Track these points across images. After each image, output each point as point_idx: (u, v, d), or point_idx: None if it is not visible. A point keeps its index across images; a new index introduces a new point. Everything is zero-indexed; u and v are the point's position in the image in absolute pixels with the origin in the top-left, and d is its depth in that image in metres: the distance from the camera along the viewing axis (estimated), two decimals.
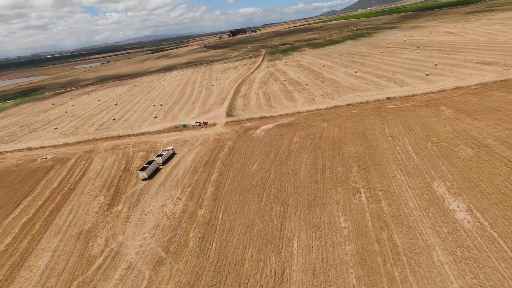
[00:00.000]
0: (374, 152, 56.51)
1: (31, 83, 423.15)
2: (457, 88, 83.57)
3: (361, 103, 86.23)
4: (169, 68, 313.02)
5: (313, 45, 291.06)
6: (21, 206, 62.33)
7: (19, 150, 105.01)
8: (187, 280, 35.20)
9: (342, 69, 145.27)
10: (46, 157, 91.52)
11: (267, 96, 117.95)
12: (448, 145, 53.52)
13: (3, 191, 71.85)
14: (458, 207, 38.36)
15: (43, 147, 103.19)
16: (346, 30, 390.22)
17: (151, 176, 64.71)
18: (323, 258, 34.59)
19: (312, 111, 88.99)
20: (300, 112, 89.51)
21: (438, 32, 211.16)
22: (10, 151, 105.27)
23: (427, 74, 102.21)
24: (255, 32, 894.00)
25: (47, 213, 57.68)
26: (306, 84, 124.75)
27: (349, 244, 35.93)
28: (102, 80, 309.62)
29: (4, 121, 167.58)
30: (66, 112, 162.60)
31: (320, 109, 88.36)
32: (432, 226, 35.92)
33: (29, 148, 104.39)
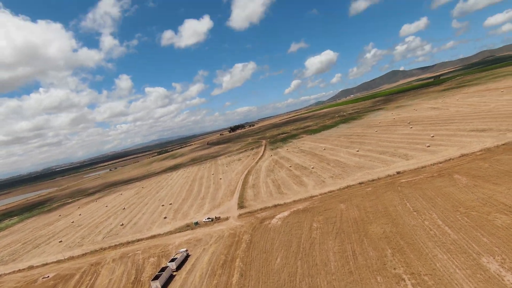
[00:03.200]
0: (403, 230, 52.92)
1: (39, 196, 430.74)
2: (463, 155, 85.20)
3: (373, 180, 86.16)
4: (175, 167, 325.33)
5: (310, 131, 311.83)
6: None
7: (19, 270, 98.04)
8: None
9: (343, 149, 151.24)
10: (48, 276, 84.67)
11: (276, 184, 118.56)
12: (479, 214, 50.70)
13: None
14: None
15: (46, 264, 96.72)
16: (337, 115, 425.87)
17: (165, 286, 58.38)
18: None
19: (325, 193, 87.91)
20: (314, 196, 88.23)
21: (423, 109, 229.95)
22: (9, 273, 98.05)
23: (428, 146, 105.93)
24: (253, 126, 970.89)
25: None
26: (313, 168, 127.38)
27: None
28: (110, 186, 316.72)
29: (7, 239, 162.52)
30: (73, 222, 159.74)
31: (333, 191, 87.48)
32: None
33: (31, 267, 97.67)
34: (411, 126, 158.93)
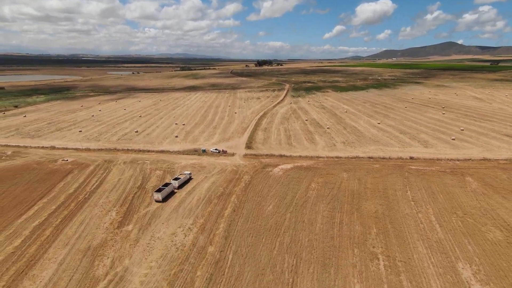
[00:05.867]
0: (395, 215, 54.76)
1: (65, 81, 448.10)
2: (484, 159, 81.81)
3: (383, 158, 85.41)
4: (195, 88, 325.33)
5: (337, 88, 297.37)
6: (35, 208, 63.09)
7: (42, 147, 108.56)
8: None
9: (365, 117, 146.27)
10: (67, 160, 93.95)
11: (288, 134, 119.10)
12: (474, 222, 51.27)
13: (21, 188, 73.39)
14: None
15: (66, 149, 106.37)
16: (370, 78, 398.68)
17: (165, 199, 64.73)
18: None
19: (332, 157, 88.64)
20: (320, 157, 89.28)
21: (464, 96, 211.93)
22: (35, 147, 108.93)
23: (453, 139, 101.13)
24: (281, 65, 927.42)
25: (59, 220, 57.96)
26: (328, 128, 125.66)
27: None
28: (130, 90, 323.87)
29: (34, 115, 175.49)
30: (93, 116, 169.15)
31: (341, 157, 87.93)
32: None
33: (53, 147, 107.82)
34: (443, 112, 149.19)
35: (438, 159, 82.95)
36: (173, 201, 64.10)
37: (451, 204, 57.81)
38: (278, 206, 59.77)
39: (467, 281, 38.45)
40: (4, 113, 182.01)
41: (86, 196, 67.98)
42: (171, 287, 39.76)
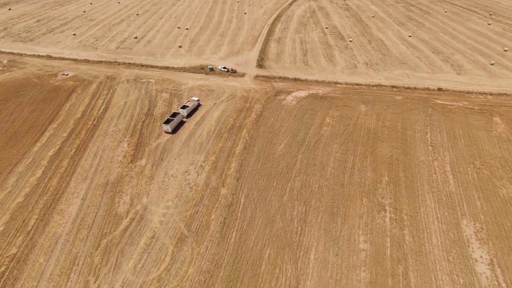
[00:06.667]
0: (409, 163, 53.70)
1: None
2: None
3: (408, 88, 77.73)
4: None
5: None
6: (47, 134, 63.25)
7: (38, 56, 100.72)
8: (207, 268, 38.12)
9: (394, 26, 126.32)
10: (68, 74, 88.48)
11: (304, 47, 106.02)
12: (490, 175, 50.31)
13: (28, 108, 71.86)
14: (481, 257, 38.42)
15: (63, 59, 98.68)
16: None
17: (175, 130, 63.51)
18: (337, 280, 36.58)
19: (351, 84, 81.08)
20: (338, 83, 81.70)
21: None
22: (30, 55, 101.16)
23: (492, 64, 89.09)
24: None
25: (73, 150, 58.83)
26: (351, 41, 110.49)
27: (364, 271, 37.45)
28: None
29: (20, 8, 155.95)
30: (84, 12, 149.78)
31: (361, 85, 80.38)
32: (449, 273, 36.72)
33: (49, 57, 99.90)
34: (489, 22, 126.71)
35: (468, 92, 75.31)
36: (183, 133, 62.99)
37: (471, 152, 55.61)
38: (290, 146, 58.55)
39: (467, 239, 40.63)
40: None
41: (95, 122, 66.84)
42: (188, 229, 43.31)
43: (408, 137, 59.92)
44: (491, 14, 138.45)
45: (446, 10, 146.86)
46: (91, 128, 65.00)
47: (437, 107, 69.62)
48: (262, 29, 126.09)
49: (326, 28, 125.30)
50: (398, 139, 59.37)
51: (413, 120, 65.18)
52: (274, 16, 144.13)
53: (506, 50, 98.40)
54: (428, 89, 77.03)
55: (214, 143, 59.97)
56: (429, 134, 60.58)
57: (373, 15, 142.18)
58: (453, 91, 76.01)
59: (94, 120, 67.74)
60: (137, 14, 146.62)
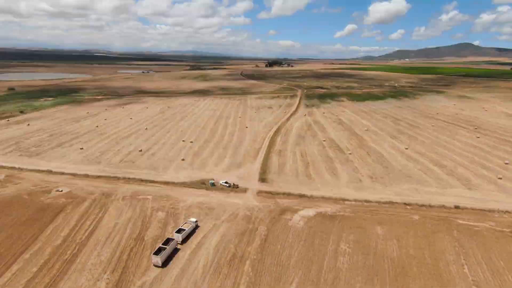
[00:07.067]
0: None
1: (74, 81, 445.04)
2: None
3: (423, 205, 72.79)
4: (204, 93, 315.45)
5: (352, 96, 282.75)
6: (13, 269, 53.44)
7: (38, 170, 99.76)
8: None
9: (388, 139, 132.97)
10: (62, 190, 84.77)
11: (305, 160, 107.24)
12: None
13: (6, 233, 64.09)
14: None
15: (63, 173, 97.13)
16: (387, 84, 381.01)
17: (165, 263, 54.10)
18: None
19: (361, 201, 76.45)
20: (346, 200, 77.25)
21: (495, 112, 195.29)
22: (30, 170, 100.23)
23: (500, 178, 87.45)
24: (291, 66, 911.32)
25: None
26: (350, 153, 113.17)
27: None
28: (139, 93, 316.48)
29: (38, 123, 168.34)
30: (97, 127, 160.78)
31: (371, 201, 75.75)
32: None
33: (49, 172, 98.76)
34: (478, 136, 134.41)
35: (489, 210, 69.87)
36: (175, 267, 53.41)
37: None
38: (303, 284, 48.36)
39: None
40: (8, 120, 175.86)
41: (75, 251, 57.98)
42: None
43: (443, 272, 50.43)
44: (476, 128, 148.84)
45: (433, 125, 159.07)
46: (68, 259, 55.71)
47: (462, 229, 62.62)
48: (263, 142, 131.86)
49: (324, 140, 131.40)
50: (432, 277, 49.58)
51: (440, 247, 57.00)
52: (274, 129, 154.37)
53: (507, 163, 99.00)
54: (444, 206, 71.86)
55: (210, 282, 49.70)
56: (466, 268, 51.30)
57: (366, 128, 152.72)
58: (472, 209, 70.60)
59: (75, 248, 59.10)
60: (146, 129, 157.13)
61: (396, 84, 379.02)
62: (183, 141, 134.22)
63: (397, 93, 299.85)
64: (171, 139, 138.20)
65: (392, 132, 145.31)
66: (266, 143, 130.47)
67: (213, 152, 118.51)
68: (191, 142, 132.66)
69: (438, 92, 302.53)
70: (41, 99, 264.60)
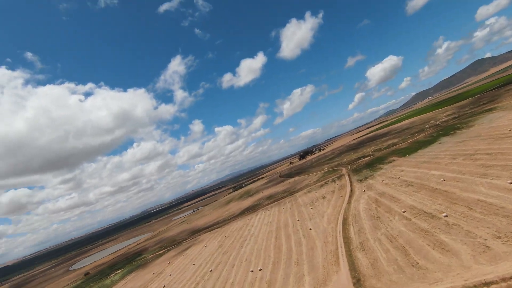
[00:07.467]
0: None
1: (137, 244, 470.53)
2: None
3: None
4: (253, 208, 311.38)
5: (400, 151, 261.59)
6: None
7: None
8: None
9: (479, 179, 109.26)
10: None
11: (398, 245, 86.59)
12: None
13: None
14: None
15: None
16: (428, 126, 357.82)
17: None
18: None
19: (507, 279, 53.57)
20: (491, 283, 54.70)
21: None
22: None
23: None
24: (323, 149, 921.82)
25: None
26: (446, 216, 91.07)
27: None
28: (194, 233, 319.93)
29: None
30: (164, 287, 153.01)
31: None
32: None
33: None
34: None
35: None
36: None
37: None
38: None
39: None
40: None
41: None
42: None
43: None
44: None
45: None
46: None
47: None
48: (336, 240, 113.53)
49: (404, 212, 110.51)
50: None
51: None
52: (340, 221, 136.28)
53: None
54: None
55: None
56: None
57: (442, 179, 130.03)
58: None
59: None
60: (211, 271, 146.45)
61: (437, 122, 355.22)
62: (251, 271, 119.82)
63: (446, 129, 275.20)
64: (238, 274, 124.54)
65: (476, 170, 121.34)
66: (340, 240, 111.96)
67: (288, 274, 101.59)
68: (260, 270, 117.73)
69: (490, 110, 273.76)
70: (111, 275, 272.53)
